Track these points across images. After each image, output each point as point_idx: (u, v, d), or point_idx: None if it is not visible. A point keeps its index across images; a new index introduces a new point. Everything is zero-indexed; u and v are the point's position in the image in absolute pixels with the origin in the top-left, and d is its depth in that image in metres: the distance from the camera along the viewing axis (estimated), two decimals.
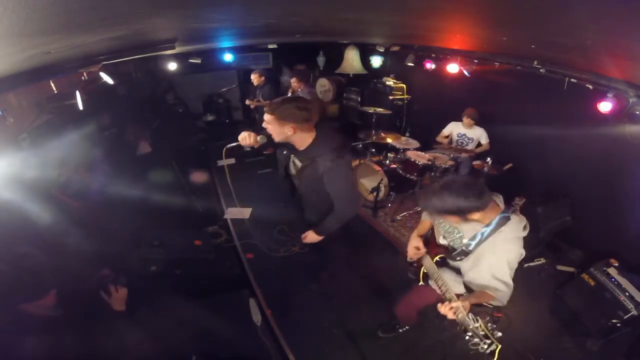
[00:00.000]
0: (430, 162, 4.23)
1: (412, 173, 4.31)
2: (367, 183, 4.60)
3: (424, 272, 1.99)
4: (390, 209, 4.41)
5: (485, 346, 1.47)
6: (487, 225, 1.68)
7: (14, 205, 2.32)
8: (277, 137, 1.98)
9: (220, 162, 5.76)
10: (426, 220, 2.17)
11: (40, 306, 1.63)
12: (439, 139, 4.63)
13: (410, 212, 4.32)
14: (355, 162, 4.86)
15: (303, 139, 1.99)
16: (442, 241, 1.99)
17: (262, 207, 4.28)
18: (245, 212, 4.24)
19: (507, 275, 1.67)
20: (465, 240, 1.80)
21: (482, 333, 1.48)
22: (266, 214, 4.15)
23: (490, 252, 1.69)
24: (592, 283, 2.74)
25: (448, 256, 1.89)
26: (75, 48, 1.88)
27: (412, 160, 4.33)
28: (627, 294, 2.53)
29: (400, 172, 4.36)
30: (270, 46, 5.51)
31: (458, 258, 1.83)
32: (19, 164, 2.40)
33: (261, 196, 4.58)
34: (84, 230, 2.73)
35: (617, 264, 2.77)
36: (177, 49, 3.54)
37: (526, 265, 3.43)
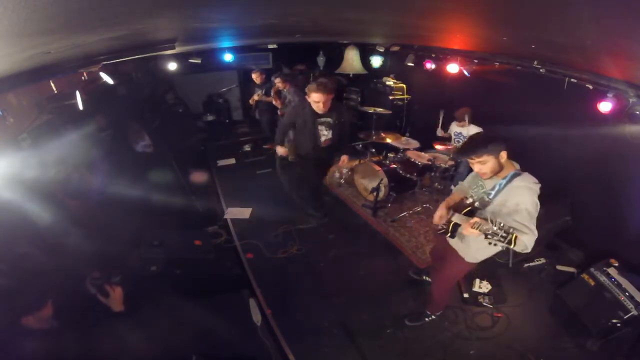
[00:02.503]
0: (430, 162, 4.23)
1: (412, 173, 4.30)
2: (367, 183, 4.60)
3: (453, 225, 2.17)
4: (390, 209, 4.41)
5: (505, 240, 1.72)
6: (504, 179, 2.00)
7: (14, 205, 2.32)
8: (328, 103, 3.24)
9: (220, 162, 5.78)
10: (457, 193, 2.42)
11: (39, 318, 1.61)
12: (438, 132, 4.63)
13: (410, 212, 4.31)
14: (355, 162, 4.87)
15: (331, 102, 3.31)
16: (469, 201, 2.24)
17: (262, 207, 4.29)
18: (245, 212, 4.24)
19: (527, 220, 1.86)
20: (486, 191, 2.11)
21: (501, 231, 1.72)
22: (266, 214, 4.16)
23: (509, 200, 1.96)
24: (592, 283, 2.74)
25: (473, 208, 2.13)
26: (75, 48, 1.88)
27: (412, 160, 4.33)
28: (627, 294, 2.53)
29: (400, 172, 4.36)
30: (270, 46, 5.52)
31: (479, 208, 2.11)
32: (19, 164, 2.40)
33: (261, 196, 4.58)
34: (84, 230, 2.73)
35: (617, 264, 2.76)
36: (177, 49, 3.54)
37: (526, 265, 3.43)
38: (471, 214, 2.10)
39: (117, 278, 1.92)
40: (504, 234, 1.71)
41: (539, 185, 1.96)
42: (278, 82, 5.17)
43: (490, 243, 1.76)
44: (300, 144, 3.57)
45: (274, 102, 5.36)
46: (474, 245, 2.17)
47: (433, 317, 2.80)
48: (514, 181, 1.96)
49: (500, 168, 2.00)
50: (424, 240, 3.83)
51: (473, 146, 2.00)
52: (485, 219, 1.78)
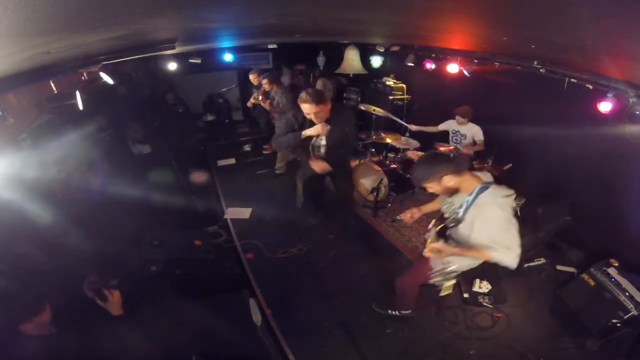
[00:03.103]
0: None
1: (412, 173, 4.29)
2: (367, 183, 4.59)
3: (429, 241, 2.20)
4: (390, 209, 4.41)
5: (442, 281, 1.87)
6: (470, 194, 1.93)
7: (14, 206, 2.32)
8: (322, 115, 2.88)
9: (220, 162, 5.78)
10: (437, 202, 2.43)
11: (38, 323, 1.59)
12: (432, 128, 4.64)
13: None
14: (355, 162, 4.87)
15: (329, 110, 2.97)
16: (445, 215, 2.23)
17: (262, 207, 4.29)
18: (245, 212, 4.24)
19: (498, 236, 1.82)
20: (455, 209, 2.04)
21: (446, 272, 1.84)
22: (266, 214, 4.16)
23: (477, 217, 1.91)
24: (592, 283, 2.74)
25: (446, 224, 2.11)
26: (75, 48, 1.88)
27: (412, 160, 4.33)
28: (627, 294, 2.53)
29: (400, 172, 4.36)
30: (270, 46, 5.51)
31: (451, 225, 2.06)
32: (19, 164, 2.40)
33: (261, 196, 4.59)
34: (84, 230, 2.73)
35: (617, 264, 2.76)
36: (177, 49, 3.54)
37: (526, 265, 3.42)
38: (445, 229, 2.10)
39: (114, 281, 1.85)
40: (442, 277, 1.82)
41: (511, 197, 1.90)
42: (265, 83, 4.95)
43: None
44: (300, 154, 3.28)
45: (262, 104, 5.10)
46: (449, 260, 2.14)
47: (396, 313, 2.75)
48: (480, 197, 1.90)
49: (454, 187, 1.94)
50: (423, 241, 3.83)
51: (416, 175, 2.00)
52: (440, 251, 1.89)
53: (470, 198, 1.92)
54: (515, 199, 1.93)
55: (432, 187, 1.95)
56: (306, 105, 2.81)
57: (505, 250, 1.82)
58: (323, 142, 3.13)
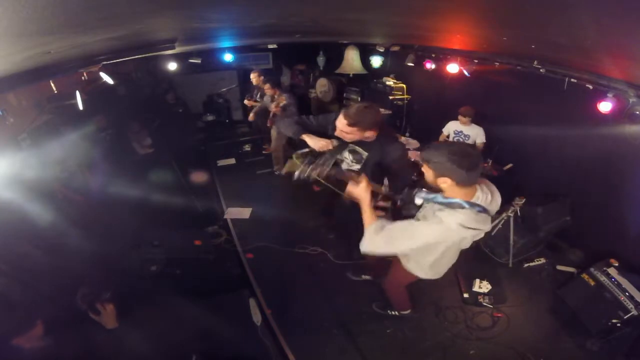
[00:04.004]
0: None
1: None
2: None
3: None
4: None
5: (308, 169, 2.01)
6: (445, 198, 1.61)
7: (15, 206, 2.32)
8: (351, 140, 2.39)
9: (220, 162, 5.78)
10: None
11: (30, 337, 1.57)
12: (441, 139, 4.62)
13: None
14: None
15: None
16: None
17: (262, 207, 4.29)
18: (245, 212, 4.24)
19: (407, 238, 1.63)
20: (423, 193, 1.74)
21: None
22: (266, 214, 4.16)
23: (423, 215, 1.72)
24: (592, 283, 2.74)
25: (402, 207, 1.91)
26: (75, 48, 1.88)
27: (412, 160, 4.32)
28: (627, 294, 2.53)
29: None
30: (270, 46, 5.50)
31: (404, 211, 1.87)
32: (19, 164, 2.40)
33: (261, 196, 4.59)
34: (84, 231, 2.73)
35: (617, 264, 2.77)
36: (177, 49, 3.54)
37: (526, 265, 3.43)
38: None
39: (107, 294, 1.79)
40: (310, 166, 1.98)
41: (474, 232, 1.57)
42: (267, 88, 4.75)
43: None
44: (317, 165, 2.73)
45: (273, 109, 4.68)
46: (413, 258, 2.08)
47: (395, 313, 2.79)
48: (442, 211, 1.58)
49: (438, 187, 1.65)
50: None
51: (426, 151, 1.69)
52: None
53: (440, 199, 1.61)
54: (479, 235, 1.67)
55: (426, 169, 1.67)
56: (342, 119, 2.29)
57: (383, 235, 1.63)
58: (351, 162, 2.66)
